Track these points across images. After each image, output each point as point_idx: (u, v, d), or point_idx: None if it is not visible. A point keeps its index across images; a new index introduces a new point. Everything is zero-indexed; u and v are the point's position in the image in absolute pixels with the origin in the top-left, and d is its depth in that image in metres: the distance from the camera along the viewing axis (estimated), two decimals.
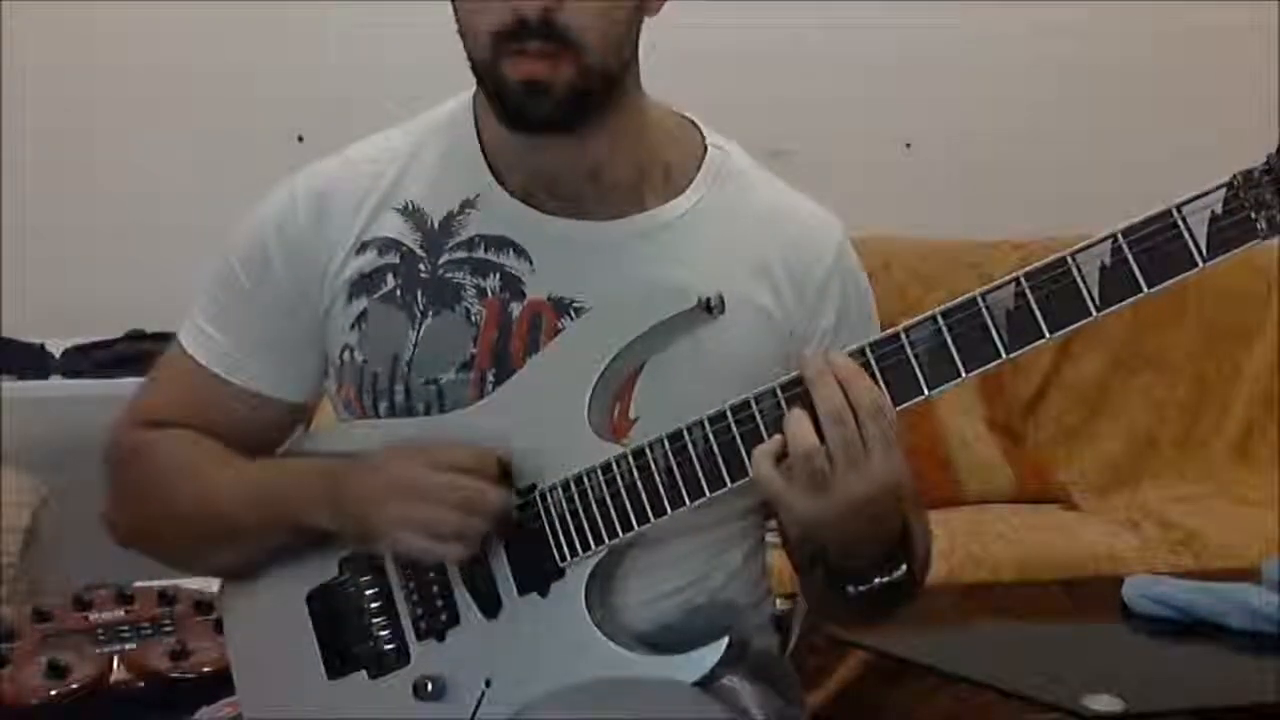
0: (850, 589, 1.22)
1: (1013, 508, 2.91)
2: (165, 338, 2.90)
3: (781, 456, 1.13)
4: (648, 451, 1.19)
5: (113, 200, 3.04)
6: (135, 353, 2.82)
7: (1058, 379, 3.21)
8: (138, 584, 2.10)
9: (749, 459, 1.15)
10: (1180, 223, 1.06)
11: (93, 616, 2.04)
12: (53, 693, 1.84)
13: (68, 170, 3.03)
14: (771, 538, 1.37)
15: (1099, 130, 3.47)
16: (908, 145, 3.46)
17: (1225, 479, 3.18)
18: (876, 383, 1.12)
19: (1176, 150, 3.35)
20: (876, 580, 1.21)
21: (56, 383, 2.84)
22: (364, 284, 1.29)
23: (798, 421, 1.12)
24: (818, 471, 1.11)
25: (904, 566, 1.22)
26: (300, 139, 3.00)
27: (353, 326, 1.29)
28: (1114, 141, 3.45)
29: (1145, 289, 1.08)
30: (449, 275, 1.27)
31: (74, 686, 1.85)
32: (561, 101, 1.17)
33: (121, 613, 2.05)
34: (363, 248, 1.29)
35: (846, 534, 1.15)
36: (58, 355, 2.90)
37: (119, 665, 1.91)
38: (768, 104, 3.10)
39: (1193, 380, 3.28)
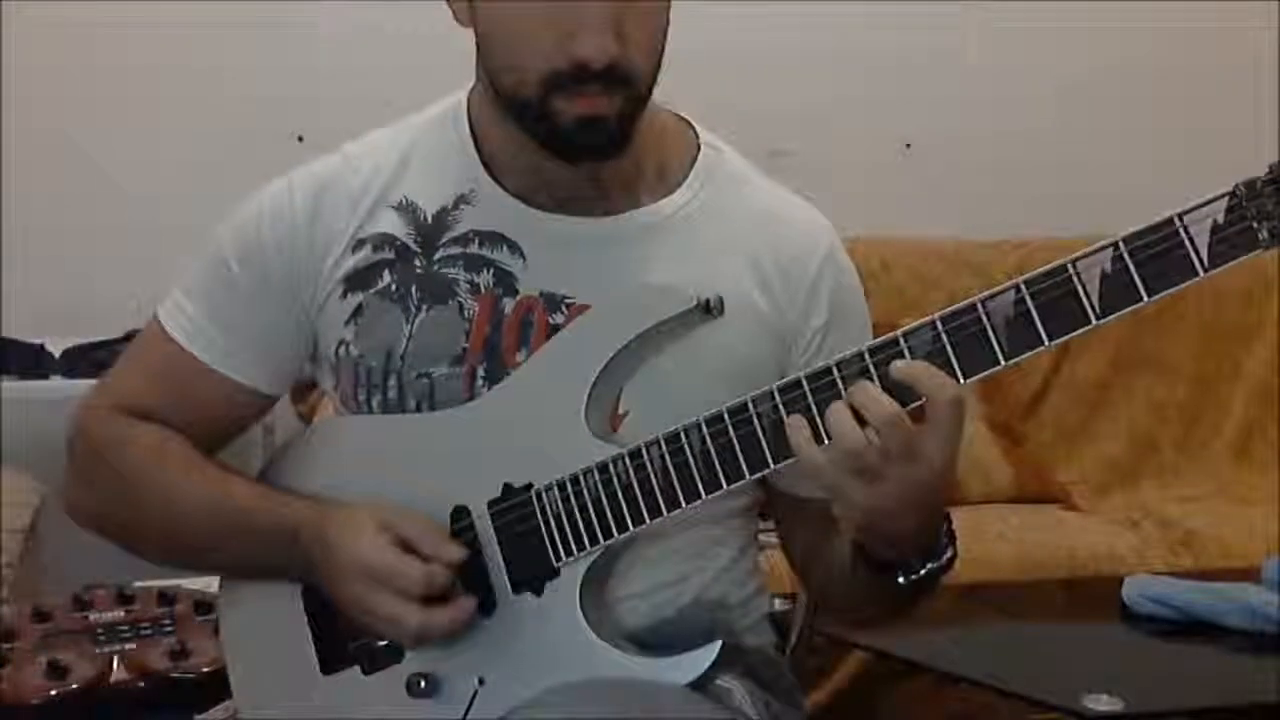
0: (900, 579, 1.18)
1: (1013, 508, 2.91)
2: None
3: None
4: (644, 452, 1.18)
5: (113, 200, 3.04)
6: None
7: (1058, 379, 3.21)
8: (138, 584, 2.10)
9: (745, 462, 1.15)
10: (1182, 231, 1.05)
11: (93, 616, 2.03)
12: (53, 693, 1.84)
13: (68, 170, 3.03)
14: (767, 538, 1.37)
15: (1099, 130, 3.47)
16: (908, 145, 3.47)
17: (1225, 479, 3.18)
18: (873, 381, 1.11)
19: (1176, 150, 3.36)
20: (929, 566, 1.18)
21: (56, 383, 2.83)
22: (360, 279, 1.29)
23: (841, 416, 1.08)
24: (867, 467, 1.08)
25: (951, 550, 1.19)
26: (300, 139, 3.00)
27: (348, 321, 1.29)
28: (1114, 142, 3.46)
29: (1145, 297, 1.07)
30: (443, 270, 1.28)
31: (74, 686, 1.85)
32: (614, 133, 1.19)
33: (121, 613, 2.04)
34: (359, 244, 1.29)
35: (905, 522, 1.12)
36: (58, 355, 2.89)
37: (119, 665, 1.91)
38: (768, 104, 3.10)
39: (1193, 380, 3.28)
